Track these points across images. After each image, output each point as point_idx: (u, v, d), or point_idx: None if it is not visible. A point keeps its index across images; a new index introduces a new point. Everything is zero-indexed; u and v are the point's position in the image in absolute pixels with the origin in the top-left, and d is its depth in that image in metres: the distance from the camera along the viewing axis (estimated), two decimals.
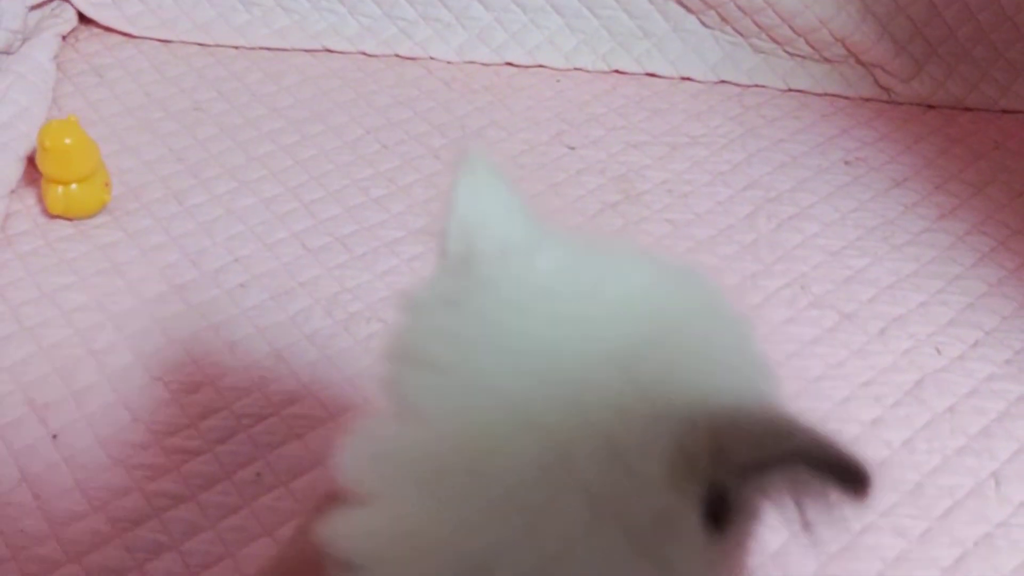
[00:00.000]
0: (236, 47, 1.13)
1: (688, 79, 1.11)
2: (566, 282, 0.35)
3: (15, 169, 0.93)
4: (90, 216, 0.92)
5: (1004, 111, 1.08)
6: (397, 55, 1.12)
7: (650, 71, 1.11)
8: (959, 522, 0.72)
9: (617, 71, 1.11)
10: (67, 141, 0.88)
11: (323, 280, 0.87)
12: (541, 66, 1.12)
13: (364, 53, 1.12)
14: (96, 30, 1.14)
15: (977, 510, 0.73)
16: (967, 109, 1.08)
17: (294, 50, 1.12)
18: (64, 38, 1.11)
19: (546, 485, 0.30)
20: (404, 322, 0.35)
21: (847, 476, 0.30)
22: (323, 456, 0.74)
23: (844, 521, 0.32)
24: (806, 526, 0.32)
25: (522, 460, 0.31)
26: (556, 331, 0.33)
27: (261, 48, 1.12)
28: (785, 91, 1.10)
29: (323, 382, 0.79)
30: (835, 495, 0.31)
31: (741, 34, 1.10)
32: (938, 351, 0.83)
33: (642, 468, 0.31)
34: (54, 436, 0.75)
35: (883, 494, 0.73)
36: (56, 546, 0.68)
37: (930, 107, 1.09)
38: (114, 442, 0.74)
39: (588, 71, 1.12)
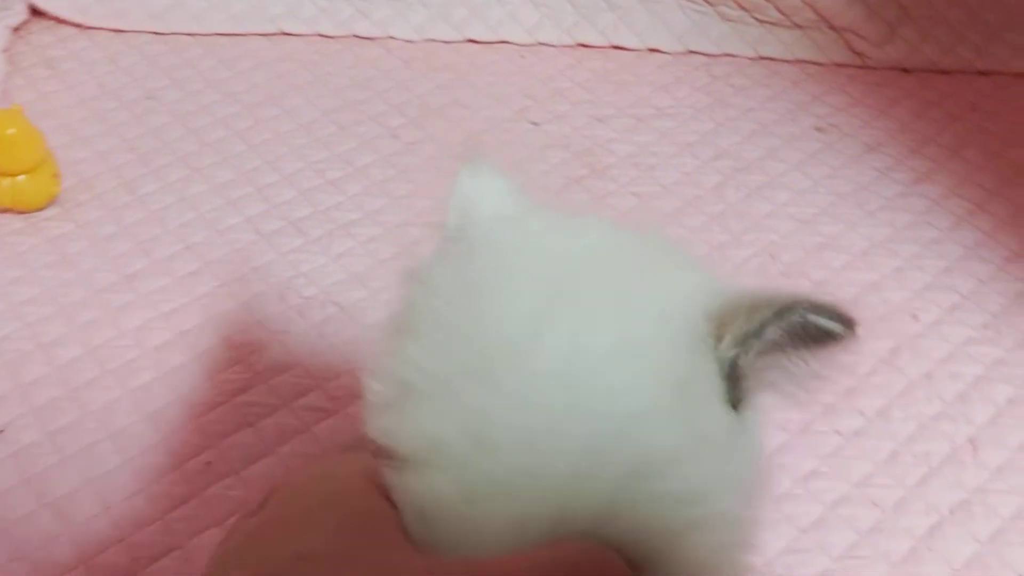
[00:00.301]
0: (191, 34, 1.10)
1: (655, 50, 1.08)
2: (557, 240, 0.38)
3: None
4: (39, 209, 0.89)
5: (980, 73, 1.05)
6: (355, 35, 1.10)
7: (616, 43, 1.08)
8: (934, 489, 0.69)
9: (582, 44, 1.09)
10: (11, 131, 0.85)
11: (276, 265, 0.84)
12: (504, 42, 1.09)
13: (321, 35, 1.10)
14: (48, 22, 1.11)
15: (953, 476, 0.70)
16: (943, 72, 1.05)
17: (250, 35, 1.10)
18: (15, 30, 1.08)
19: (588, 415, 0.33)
20: (407, 295, 0.38)
21: (835, 315, 0.34)
22: (275, 444, 0.72)
23: (839, 369, 0.35)
24: (808, 376, 0.35)
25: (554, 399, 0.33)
26: (550, 279, 0.36)
27: (216, 34, 1.10)
28: (755, 59, 1.07)
29: (275, 369, 0.76)
30: (828, 336, 0.34)
31: (709, 2, 1.07)
32: (914, 317, 0.80)
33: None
34: (1, 431, 0.72)
35: (858, 464, 0.71)
36: (7, 543, 0.65)
37: (905, 71, 1.06)
38: (63, 436, 0.72)
39: (552, 45, 1.09)
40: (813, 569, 0.65)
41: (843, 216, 0.88)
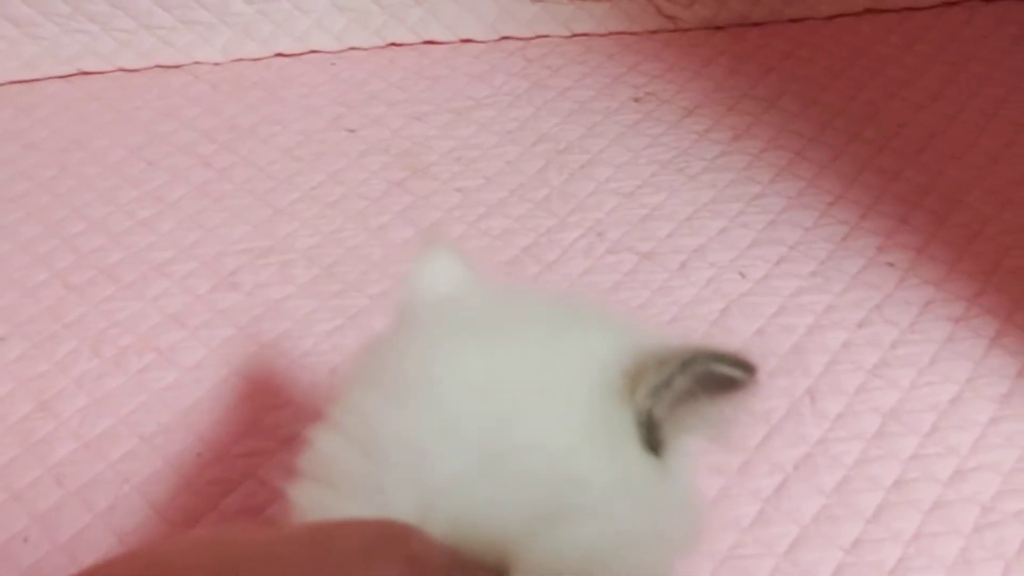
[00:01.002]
0: None
1: (468, 41, 1.06)
2: (491, 312, 0.42)
3: None
4: None
5: (791, 20, 1.05)
6: (159, 65, 1.05)
7: (427, 39, 1.06)
8: (776, 447, 0.68)
9: (393, 44, 1.06)
10: None
11: (89, 317, 0.80)
12: (313, 51, 1.05)
13: (123, 69, 1.05)
14: None
15: (794, 431, 0.69)
16: (754, 24, 1.05)
17: (47, 79, 1.04)
18: None
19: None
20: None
21: (735, 362, 0.36)
22: (92, 505, 0.68)
23: (745, 414, 0.38)
24: (722, 421, 0.38)
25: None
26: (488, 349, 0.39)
27: (10, 83, 1.04)
28: (569, 37, 1.06)
29: (90, 425, 0.72)
30: (731, 383, 0.37)
31: None
32: (742, 275, 0.80)
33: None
34: None
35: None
36: None
37: (717, 28, 1.05)
38: None
39: (363, 48, 1.06)
40: None
41: (665, 184, 0.88)
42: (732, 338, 0.75)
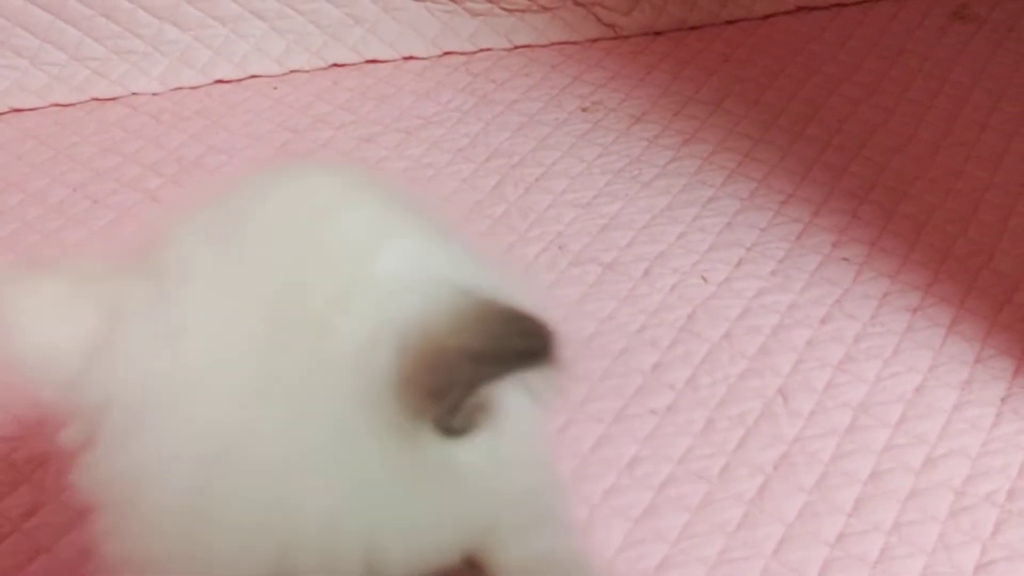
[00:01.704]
0: None
1: (411, 58, 1.05)
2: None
3: None
4: None
5: (727, 22, 1.07)
6: (95, 99, 1.02)
7: (369, 58, 1.05)
8: (754, 449, 0.70)
9: (336, 64, 1.05)
10: None
11: None
12: (254, 76, 1.04)
13: (57, 104, 1.02)
14: None
15: (770, 432, 0.71)
16: (692, 28, 1.07)
17: None
18: None
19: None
20: None
21: (527, 359, 0.34)
22: None
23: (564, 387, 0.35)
24: (542, 385, 0.35)
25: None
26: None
27: None
28: (511, 49, 1.06)
29: None
30: (527, 357, 0.34)
31: (454, 0, 1.05)
32: (704, 279, 0.81)
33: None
34: None
35: (677, 440, 0.71)
36: None
37: (657, 34, 1.07)
38: None
39: (306, 71, 1.05)
40: (652, 560, 0.64)
41: (620, 193, 0.89)
42: (701, 344, 0.76)
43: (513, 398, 0.36)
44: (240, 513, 0.34)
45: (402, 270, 0.36)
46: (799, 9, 1.08)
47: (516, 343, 0.34)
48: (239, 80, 1.04)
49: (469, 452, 0.36)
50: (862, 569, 0.64)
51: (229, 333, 0.35)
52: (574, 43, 1.06)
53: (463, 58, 1.05)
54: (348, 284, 0.35)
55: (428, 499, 0.35)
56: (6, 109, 1.02)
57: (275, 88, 1.03)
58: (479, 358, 0.33)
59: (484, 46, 1.06)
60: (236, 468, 0.34)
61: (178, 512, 0.34)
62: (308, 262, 0.36)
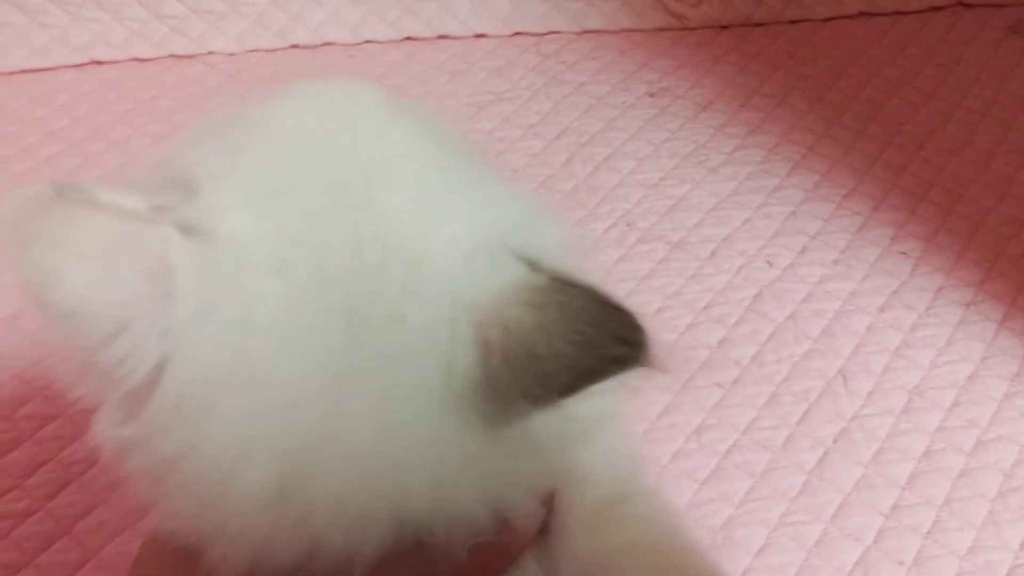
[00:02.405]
0: None
1: (482, 35, 1.08)
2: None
3: None
4: None
5: (791, 22, 1.10)
6: (173, 55, 1.05)
7: (443, 33, 1.08)
8: (816, 424, 0.73)
9: (409, 38, 1.08)
10: None
11: None
12: (329, 43, 1.07)
13: (137, 59, 1.05)
14: None
15: (831, 408, 0.74)
16: (757, 25, 1.10)
17: (59, 68, 1.04)
18: None
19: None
20: None
21: (624, 365, 0.32)
22: None
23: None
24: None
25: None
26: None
27: (22, 71, 1.03)
28: (580, 33, 1.09)
29: None
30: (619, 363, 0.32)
31: None
32: (769, 263, 0.84)
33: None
34: None
35: (742, 412, 0.74)
36: None
37: (723, 28, 1.10)
38: None
39: (380, 42, 1.08)
40: (718, 519, 0.67)
41: (688, 176, 0.92)
42: (766, 324, 0.79)
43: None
44: (336, 495, 0.33)
45: (465, 239, 0.34)
46: (861, 14, 1.11)
47: (614, 351, 0.31)
48: (314, 47, 1.07)
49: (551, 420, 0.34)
50: (915, 538, 0.67)
51: (296, 316, 0.32)
52: (641, 31, 1.09)
53: (533, 39, 1.08)
54: (412, 262, 0.33)
55: (510, 465, 0.35)
56: (87, 61, 1.05)
57: (350, 57, 1.06)
58: (576, 370, 0.31)
59: (554, 28, 1.09)
60: (326, 453, 0.33)
61: (267, 495, 0.33)
62: (366, 235, 0.33)
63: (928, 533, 0.68)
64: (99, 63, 1.05)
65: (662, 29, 1.09)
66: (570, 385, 0.31)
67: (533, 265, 0.33)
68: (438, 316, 0.33)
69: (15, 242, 0.31)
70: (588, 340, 0.31)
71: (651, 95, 1.01)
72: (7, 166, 0.94)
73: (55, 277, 0.31)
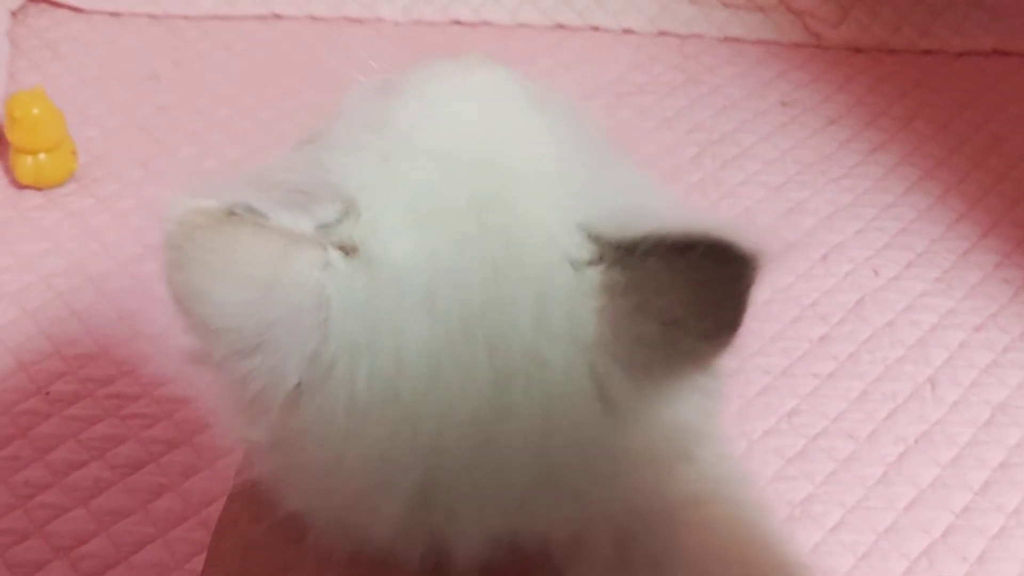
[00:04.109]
0: (185, 17, 1.14)
1: (629, 31, 1.15)
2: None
3: None
4: (59, 185, 0.94)
5: (924, 52, 1.14)
6: (345, 17, 1.15)
7: (593, 24, 1.15)
8: (901, 423, 0.79)
9: (561, 25, 1.16)
10: (35, 111, 0.90)
11: None
12: (487, 23, 1.15)
13: (312, 17, 1.15)
14: (44, 5, 1.15)
15: (917, 411, 0.80)
16: (891, 51, 1.15)
17: (243, 17, 1.15)
18: (13, 14, 1.12)
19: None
20: None
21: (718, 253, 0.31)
22: None
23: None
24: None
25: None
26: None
27: (210, 17, 1.14)
28: (722, 39, 1.15)
29: None
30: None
31: None
32: (875, 272, 0.90)
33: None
34: (47, 392, 0.77)
35: (834, 403, 0.80)
36: (61, 492, 0.71)
37: (857, 50, 1.15)
38: (104, 394, 0.78)
39: (533, 26, 1.16)
40: (799, 494, 0.74)
41: (809, 183, 0.97)
42: (866, 326, 0.85)
43: None
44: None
45: (591, 271, 0.34)
46: (994, 52, 1.15)
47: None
48: (473, 25, 1.16)
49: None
50: (981, 540, 0.72)
51: (443, 352, 0.32)
52: (779, 44, 1.15)
53: (677, 39, 1.15)
54: (539, 297, 0.33)
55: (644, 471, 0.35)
56: (267, 13, 1.15)
57: (505, 38, 1.14)
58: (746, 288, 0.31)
59: (697, 32, 1.15)
60: (473, 476, 0.33)
61: (402, 509, 0.33)
62: (502, 267, 0.33)
63: (995, 536, 0.73)
64: (278, 16, 1.15)
65: (799, 45, 1.15)
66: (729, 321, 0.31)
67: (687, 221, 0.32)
68: (570, 356, 0.32)
69: (173, 251, 0.32)
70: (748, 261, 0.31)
71: (783, 104, 1.07)
72: (192, 99, 1.04)
73: (207, 297, 0.32)
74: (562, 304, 0.32)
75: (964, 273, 0.91)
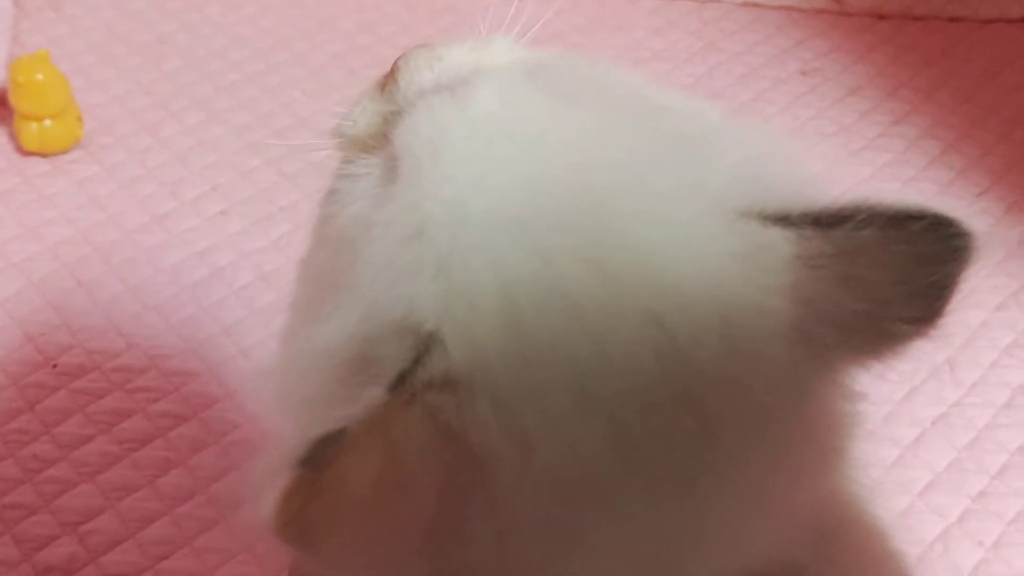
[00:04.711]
0: None
1: None
2: None
3: None
4: (65, 151, 0.92)
5: (951, 19, 1.12)
6: None
7: None
8: (918, 404, 0.77)
9: None
10: (39, 76, 0.88)
11: (302, 205, 0.89)
12: None
13: None
14: None
15: (934, 393, 0.78)
16: (916, 18, 1.12)
17: None
18: None
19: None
20: None
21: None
22: None
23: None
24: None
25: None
26: None
27: None
28: (741, 5, 1.13)
29: None
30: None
31: None
32: None
33: None
34: (54, 365, 0.77)
35: None
36: (68, 467, 0.71)
37: (881, 17, 1.12)
38: (112, 367, 0.77)
39: None
40: None
41: (828, 155, 0.95)
42: None
43: None
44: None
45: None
46: (1023, 19, 1.12)
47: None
48: None
49: None
50: (998, 525, 0.71)
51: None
52: (800, 10, 1.12)
53: (695, 4, 1.12)
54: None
55: None
56: None
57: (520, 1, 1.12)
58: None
59: None
60: None
61: None
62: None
63: (1012, 521, 0.72)
64: None
65: (821, 11, 1.12)
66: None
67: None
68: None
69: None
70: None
71: (803, 73, 1.04)
72: (200, 63, 1.03)
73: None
74: (745, 311, 0.30)
75: (986, 250, 0.89)
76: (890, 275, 0.30)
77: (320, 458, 0.26)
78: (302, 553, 0.28)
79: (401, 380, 0.28)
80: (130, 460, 0.71)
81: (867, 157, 0.95)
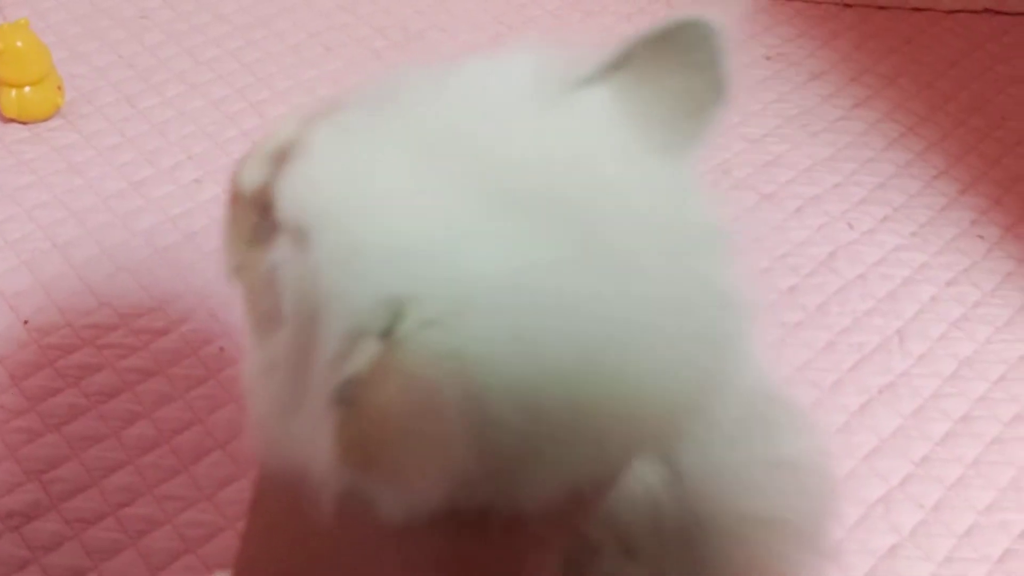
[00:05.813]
0: None
1: None
2: None
3: None
4: (44, 119, 0.94)
5: (915, 9, 1.14)
6: None
7: None
8: (866, 373, 0.80)
9: None
10: (19, 44, 0.90)
11: None
12: None
13: None
14: None
15: (882, 363, 0.81)
16: (881, 8, 1.14)
17: None
18: None
19: None
20: None
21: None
22: None
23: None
24: None
25: None
26: None
27: None
28: None
29: None
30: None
31: None
32: (850, 226, 0.90)
33: None
34: (25, 322, 0.79)
35: (798, 353, 0.81)
36: (36, 417, 0.73)
37: (847, 6, 1.15)
38: (82, 324, 0.79)
39: None
40: None
41: (789, 137, 0.98)
42: (836, 279, 0.86)
43: None
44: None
45: None
46: (985, 11, 1.14)
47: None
48: None
49: None
50: (938, 488, 0.74)
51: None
52: None
53: None
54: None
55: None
56: None
57: None
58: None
59: None
60: None
61: None
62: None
63: (952, 487, 0.74)
64: None
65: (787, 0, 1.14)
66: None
67: None
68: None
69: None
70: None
71: (768, 58, 1.07)
72: (182, 38, 1.05)
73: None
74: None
75: (940, 229, 0.91)
76: (677, 80, 0.35)
77: (349, 398, 0.30)
78: (371, 474, 0.30)
79: (388, 332, 0.30)
80: (96, 412, 0.74)
81: (827, 139, 0.98)
